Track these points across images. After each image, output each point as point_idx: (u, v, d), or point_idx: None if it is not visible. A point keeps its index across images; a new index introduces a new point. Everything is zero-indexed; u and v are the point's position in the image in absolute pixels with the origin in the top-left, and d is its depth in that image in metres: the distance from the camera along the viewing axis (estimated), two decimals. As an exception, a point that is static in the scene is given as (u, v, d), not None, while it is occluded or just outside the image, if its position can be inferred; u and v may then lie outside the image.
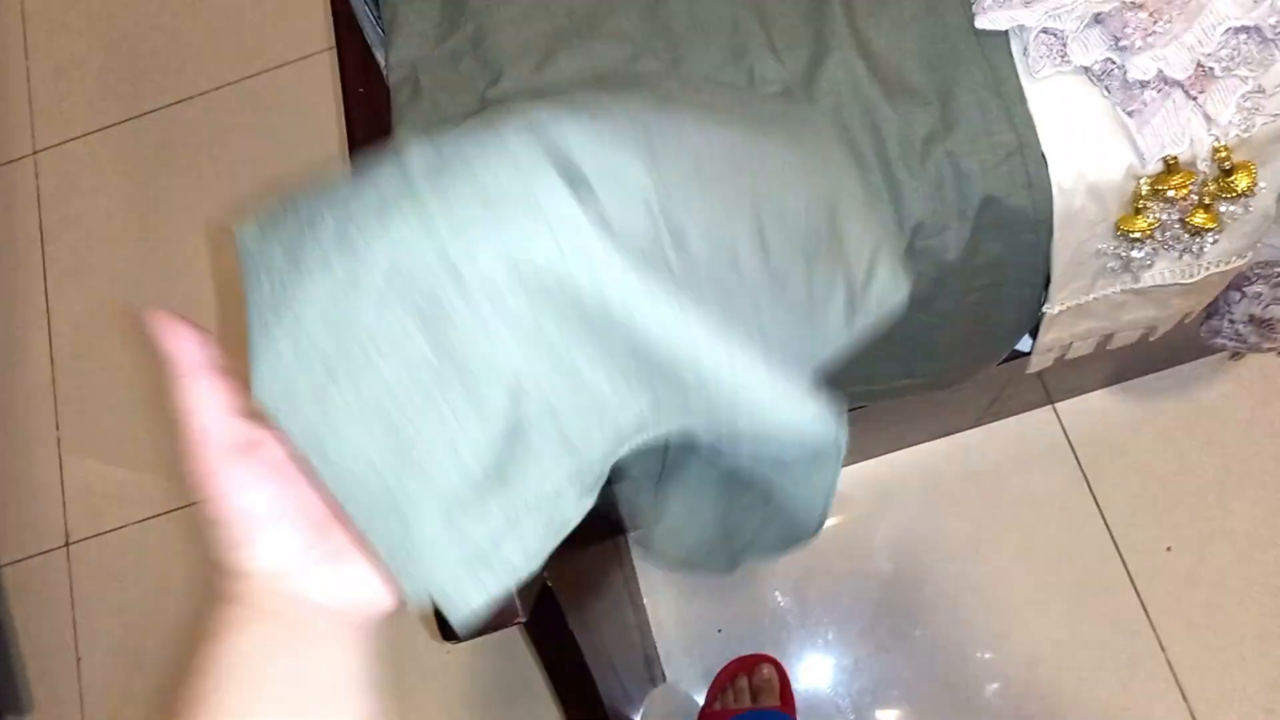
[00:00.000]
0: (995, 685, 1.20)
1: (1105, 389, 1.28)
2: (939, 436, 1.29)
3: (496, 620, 0.65)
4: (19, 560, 1.42)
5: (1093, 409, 1.27)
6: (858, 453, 1.28)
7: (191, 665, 0.39)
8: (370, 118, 0.79)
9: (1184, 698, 1.15)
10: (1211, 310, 0.90)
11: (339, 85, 0.85)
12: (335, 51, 0.86)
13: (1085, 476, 1.25)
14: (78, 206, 1.59)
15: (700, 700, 1.22)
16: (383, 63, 0.80)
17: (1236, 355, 1.16)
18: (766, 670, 1.19)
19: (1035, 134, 0.67)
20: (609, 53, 0.72)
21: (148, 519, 1.41)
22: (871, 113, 0.68)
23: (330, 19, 0.87)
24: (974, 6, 0.68)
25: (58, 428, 1.48)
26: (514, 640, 0.94)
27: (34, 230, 1.58)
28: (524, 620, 0.65)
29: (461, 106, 0.72)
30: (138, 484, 1.43)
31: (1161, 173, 0.67)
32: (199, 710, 0.38)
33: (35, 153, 1.62)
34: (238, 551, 0.40)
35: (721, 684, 1.21)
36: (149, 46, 1.64)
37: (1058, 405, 1.28)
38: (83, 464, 1.46)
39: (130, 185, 1.58)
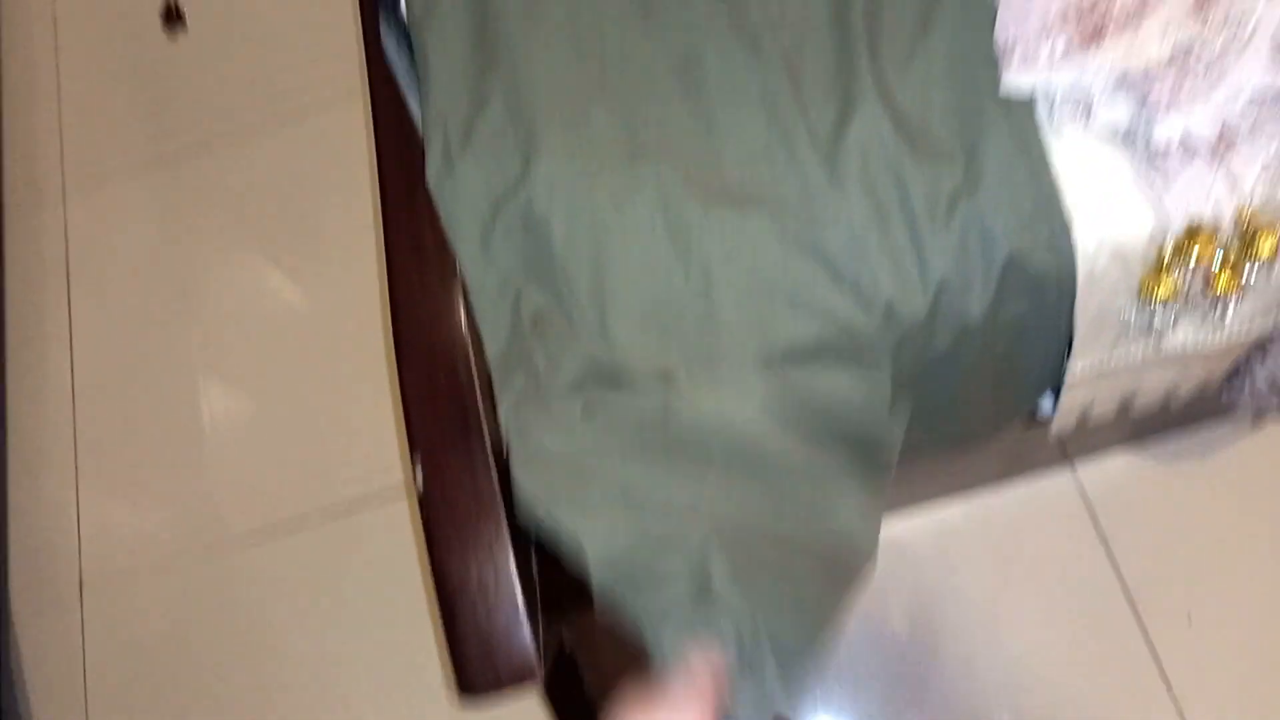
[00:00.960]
0: (1013, 752, 1.17)
1: (1124, 449, 1.27)
2: (956, 494, 1.28)
3: (513, 677, 0.64)
4: (30, 599, 1.42)
5: (1111, 469, 1.26)
6: (874, 510, 1.27)
7: None
8: (404, 169, 0.80)
9: (1208, 772, 1.13)
10: (1233, 373, 0.89)
11: (370, 130, 0.86)
12: (367, 97, 0.87)
13: (1104, 539, 1.24)
14: (104, 245, 1.61)
15: (711, 760, 1.20)
16: (415, 112, 0.81)
17: (1258, 419, 1.15)
18: (780, 731, 1.17)
19: (1059, 195, 0.67)
20: (643, 112, 0.73)
21: (163, 561, 1.41)
22: (897, 169, 0.69)
23: (363, 65, 0.89)
24: (1000, 64, 0.69)
25: (76, 466, 1.48)
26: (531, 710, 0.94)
27: (60, 267, 1.60)
28: (540, 680, 0.64)
29: (501, 170, 0.73)
30: (155, 525, 1.43)
31: (1185, 236, 0.67)
32: None
33: (64, 191, 1.65)
34: None
35: (733, 744, 1.18)
36: (180, 89, 1.68)
37: (1076, 464, 1.27)
38: (100, 503, 1.46)
39: (157, 225, 1.61)
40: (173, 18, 1.63)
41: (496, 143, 0.73)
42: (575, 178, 0.72)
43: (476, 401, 0.72)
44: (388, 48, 0.83)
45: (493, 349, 0.71)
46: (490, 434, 0.70)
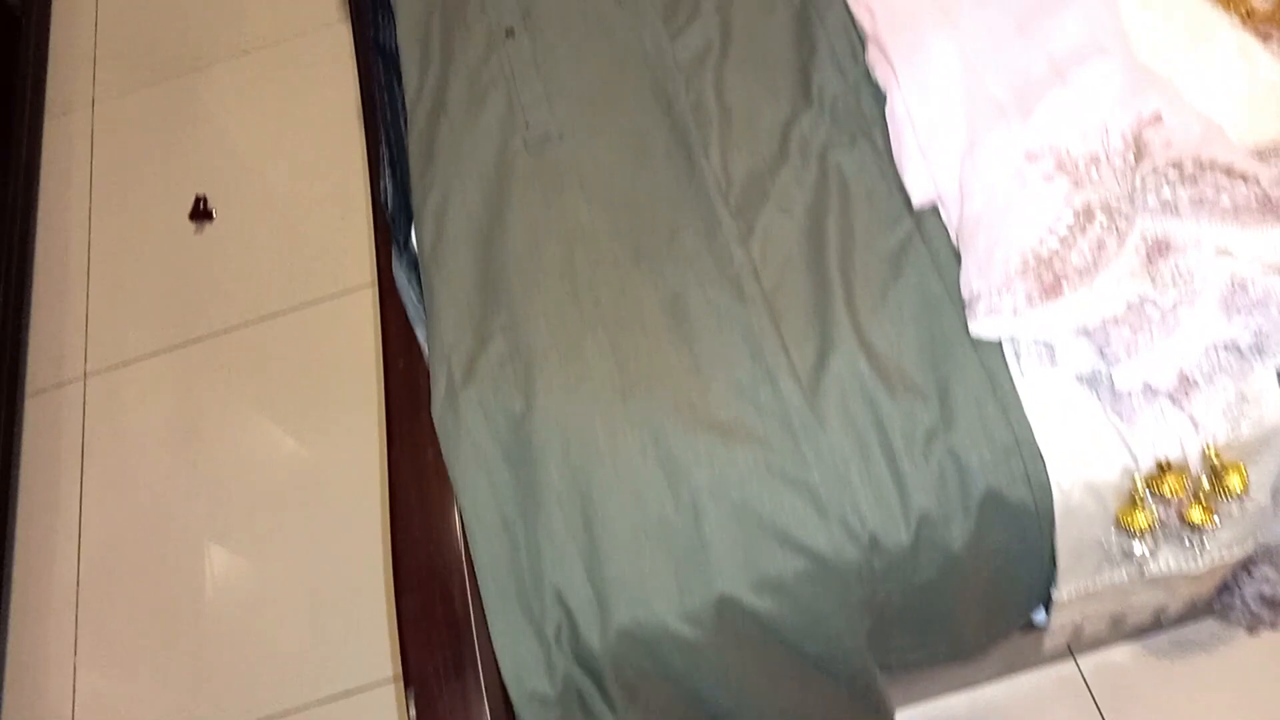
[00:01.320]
0: None
1: (1128, 642, 1.26)
2: (961, 689, 1.26)
3: None
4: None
5: (1116, 664, 1.24)
6: (877, 703, 1.25)
7: None
8: (409, 394, 0.84)
9: None
10: (1223, 587, 0.90)
11: (378, 320, 0.90)
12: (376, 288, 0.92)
13: (1113, 736, 1.21)
14: (121, 422, 1.65)
15: None
16: (422, 341, 0.86)
17: (1252, 631, 1.15)
18: None
19: (1031, 433, 0.70)
20: (633, 349, 0.77)
21: (155, 747, 1.39)
22: (875, 406, 0.72)
23: (375, 286, 0.94)
24: (966, 312, 0.74)
25: (76, 640, 1.48)
26: None
27: (76, 447, 1.64)
28: None
29: (501, 404, 0.77)
30: (151, 709, 1.42)
31: (1156, 472, 0.70)
32: None
33: (86, 369, 1.71)
34: None
35: None
36: (202, 276, 1.76)
37: (1080, 659, 1.26)
38: (97, 679, 1.45)
39: (173, 405, 1.66)
40: (200, 214, 1.72)
41: (497, 379, 0.77)
42: (570, 413, 0.75)
43: (472, 633, 0.73)
44: (399, 278, 0.88)
45: (487, 581, 0.73)
46: (484, 666, 0.72)
